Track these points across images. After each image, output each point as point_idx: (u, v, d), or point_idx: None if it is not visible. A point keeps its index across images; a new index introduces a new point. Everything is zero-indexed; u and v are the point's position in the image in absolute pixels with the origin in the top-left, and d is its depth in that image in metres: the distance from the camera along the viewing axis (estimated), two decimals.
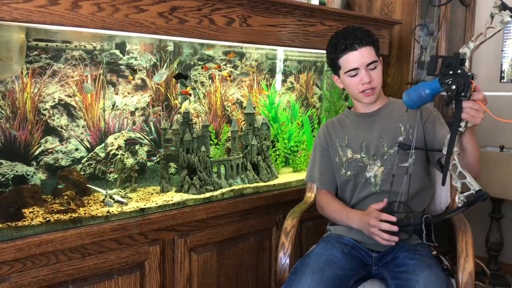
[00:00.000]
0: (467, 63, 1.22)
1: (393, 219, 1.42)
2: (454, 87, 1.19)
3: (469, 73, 1.19)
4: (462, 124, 1.25)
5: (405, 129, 1.62)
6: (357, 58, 1.60)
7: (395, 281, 1.47)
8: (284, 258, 1.66)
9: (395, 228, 1.41)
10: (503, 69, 3.18)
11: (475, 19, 3.27)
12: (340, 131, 1.75)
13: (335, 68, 1.68)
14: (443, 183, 1.29)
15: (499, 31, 1.21)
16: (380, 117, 1.70)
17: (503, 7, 1.18)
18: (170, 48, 2.10)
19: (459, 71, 1.20)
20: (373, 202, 1.63)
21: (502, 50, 3.16)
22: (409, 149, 1.43)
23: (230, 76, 2.29)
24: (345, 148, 1.71)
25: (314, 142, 1.86)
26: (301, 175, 2.39)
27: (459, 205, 1.23)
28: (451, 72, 1.20)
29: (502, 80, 3.18)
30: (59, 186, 1.73)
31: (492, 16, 1.21)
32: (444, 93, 1.23)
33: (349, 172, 1.69)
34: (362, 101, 1.69)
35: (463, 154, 1.35)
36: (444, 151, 1.26)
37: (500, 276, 2.99)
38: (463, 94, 1.19)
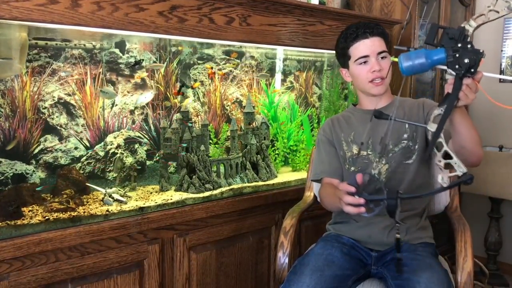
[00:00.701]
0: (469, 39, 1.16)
1: (352, 189, 1.29)
2: (467, 60, 1.13)
3: (480, 50, 1.14)
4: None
5: (409, 126, 1.62)
6: (368, 46, 1.61)
7: (395, 281, 1.47)
8: (283, 258, 1.65)
9: (360, 201, 1.28)
10: (502, 69, 3.18)
11: None
12: (346, 127, 1.73)
13: (345, 59, 1.68)
14: (427, 156, 1.24)
15: (502, 16, 1.17)
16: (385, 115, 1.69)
17: None
18: (173, 48, 2.10)
19: (469, 46, 1.14)
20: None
21: (502, 50, 3.16)
22: (387, 119, 1.32)
23: (217, 72, 2.27)
24: (351, 144, 1.69)
25: (317, 139, 1.82)
26: (301, 175, 2.39)
27: (444, 185, 1.17)
28: (459, 45, 1.15)
29: (502, 80, 3.19)
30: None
31: None
32: (443, 67, 1.17)
33: (353, 168, 1.67)
34: (370, 92, 1.66)
35: (459, 137, 1.33)
36: (430, 127, 1.19)
37: (499, 276, 3.00)
38: (472, 70, 1.14)
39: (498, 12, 1.17)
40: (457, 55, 1.14)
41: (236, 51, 2.34)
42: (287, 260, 1.65)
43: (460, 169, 1.16)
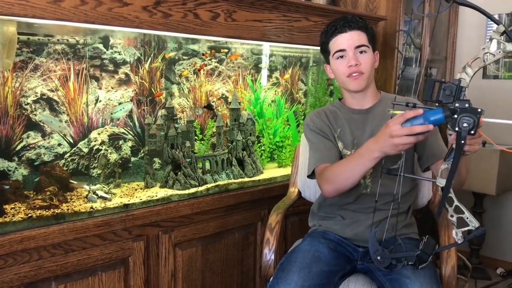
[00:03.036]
0: (466, 91, 1.18)
1: (421, 111, 1.21)
2: (466, 125, 1.13)
3: (479, 109, 1.14)
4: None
5: None
6: (346, 40, 1.59)
7: (381, 271, 1.48)
8: (269, 254, 1.65)
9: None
10: (485, 65, 3.21)
11: (459, 16, 3.30)
12: (333, 121, 1.69)
13: (326, 55, 1.67)
14: (439, 215, 1.26)
15: (498, 59, 1.18)
16: (372, 116, 1.66)
17: (508, 37, 1.15)
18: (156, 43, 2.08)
19: (466, 105, 1.14)
20: (364, 204, 1.64)
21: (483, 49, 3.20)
22: (396, 175, 1.33)
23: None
24: (337, 140, 1.67)
25: (304, 133, 1.76)
26: (286, 171, 2.39)
27: (459, 241, 1.19)
28: (457, 105, 1.14)
29: (485, 77, 3.23)
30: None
31: (491, 39, 1.17)
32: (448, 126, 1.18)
33: None
34: (349, 88, 1.63)
35: (456, 177, 1.35)
36: (438, 183, 1.21)
37: (481, 270, 3.05)
38: (472, 132, 1.14)
39: (494, 55, 1.17)
40: (455, 116, 1.14)
41: (222, 47, 2.33)
42: (273, 257, 1.65)
43: (472, 223, 1.18)
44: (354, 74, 1.59)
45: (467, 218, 1.18)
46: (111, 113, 1.88)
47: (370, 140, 1.39)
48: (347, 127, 1.67)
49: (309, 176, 1.70)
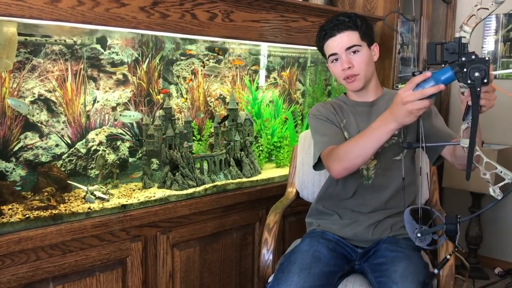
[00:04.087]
0: (469, 47, 1.16)
1: (428, 74, 1.22)
2: (477, 74, 1.11)
3: (486, 58, 1.13)
4: None
5: None
6: (336, 43, 1.59)
7: (374, 274, 1.48)
8: (267, 254, 1.65)
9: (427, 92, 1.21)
10: None
11: (456, 16, 3.31)
12: (340, 113, 1.69)
13: (324, 57, 1.69)
14: (468, 178, 1.18)
15: (493, 11, 1.15)
16: (376, 109, 1.65)
17: None
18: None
19: (473, 57, 1.13)
20: (365, 196, 1.64)
21: (482, 47, 3.21)
22: (418, 147, 1.32)
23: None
24: (343, 130, 1.67)
25: (309, 123, 1.73)
26: (284, 171, 2.39)
27: (498, 197, 1.13)
28: (464, 59, 1.13)
29: None
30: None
31: None
32: (460, 83, 1.16)
33: None
34: (348, 89, 1.67)
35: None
36: (463, 143, 1.19)
37: (479, 269, 3.05)
38: (486, 81, 1.12)
39: (487, 9, 1.15)
40: (465, 70, 1.13)
41: (217, 46, 2.33)
42: (271, 257, 1.65)
43: (507, 176, 1.14)
44: (349, 78, 1.60)
45: (501, 172, 1.14)
46: (120, 114, 1.88)
47: (384, 113, 1.36)
48: (352, 118, 1.67)
49: (314, 167, 1.64)
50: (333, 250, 1.55)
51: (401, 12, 2.64)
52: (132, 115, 1.91)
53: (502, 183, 1.14)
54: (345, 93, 1.78)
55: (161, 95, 2.11)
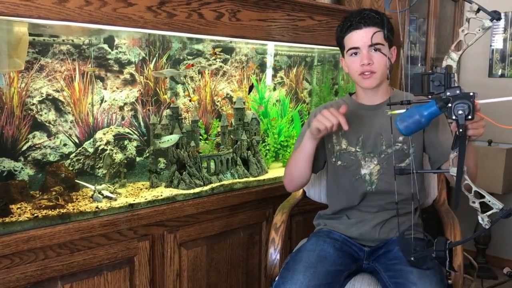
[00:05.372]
0: (456, 77, 1.15)
1: (343, 109, 1.48)
2: (461, 112, 1.12)
3: (471, 93, 1.13)
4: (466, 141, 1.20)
5: None
6: (360, 37, 1.55)
7: (388, 273, 1.47)
8: (274, 254, 1.65)
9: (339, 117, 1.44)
10: (491, 64, 3.20)
11: (464, 14, 3.29)
12: None
13: (341, 49, 1.65)
14: (456, 207, 1.23)
15: (479, 38, 1.15)
16: (382, 112, 1.62)
17: (481, 11, 1.12)
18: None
19: (457, 92, 1.13)
20: (372, 198, 1.63)
21: (491, 45, 3.19)
22: (409, 173, 1.33)
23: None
24: (340, 138, 1.65)
25: (307, 122, 1.74)
26: None
27: (486, 226, 1.16)
28: (448, 94, 1.13)
29: (491, 75, 3.21)
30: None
31: (468, 21, 1.15)
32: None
33: (339, 162, 1.65)
34: (361, 85, 1.63)
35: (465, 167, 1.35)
36: (452, 172, 1.20)
37: (488, 269, 3.03)
38: (470, 117, 1.12)
39: (474, 34, 1.14)
40: (449, 105, 1.13)
41: (221, 46, 2.33)
42: (278, 256, 1.65)
43: (495, 206, 1.16)
44: (366, 73, 1.58)
45: (489, 201, 1.16)
46: (159, 142, 1.94)
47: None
48: (354, 123, 1.64)
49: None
50: (339, 249, 1.55)
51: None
52: (170, 139, 1.95)
53: (490, 212, 1.16)
54: (350, 94, 1.76)
55: (168, 95, 2.12)
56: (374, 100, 1.66)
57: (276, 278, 1.52)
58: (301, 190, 1.95)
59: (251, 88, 2.28)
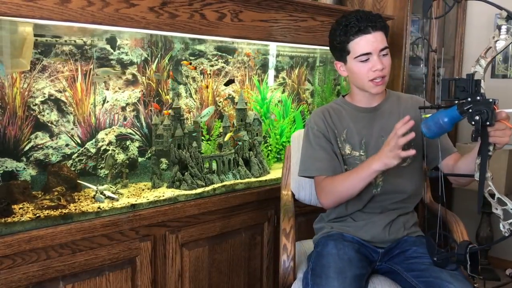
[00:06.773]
0: (482, 83, 1.15)
1: (411, 123, 1.35)
2: (477, 117, 1.12)
3: (491, 100, 1.13)
4: (491, 148, 1.20)
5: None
6: (371, 42, 1.49)
7: (411, 273, 1.46)
8: (288, 261, 1.57)
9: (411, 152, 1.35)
10: (494, 65, 3.19)
11: (467, 15, 3.28)
12: (338, 123, 1.64)
13: (342, 53, 1.56)
14: (479, 211, 1.23)
15: (509, 44, 1.15)
16: (381, 113, 1.63)
17: (510, 17, 1.12)
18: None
19: (478, 98, 1.13)
20: (375, 205, 1.62)
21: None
22: (437, 176, 1.34)
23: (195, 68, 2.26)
24: (344, 143, 1.62)
25: (306, 132, 1.69)
26: None
27: (506, 234, 1.15)
28: (469, 99, 1.14)
29: (494, 76, 3.20)
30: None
31: (499, 28, 1.15)
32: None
33: (345, 167, 1.62)
34: (370, 91, 1.56)
35: (469, 168, 1.35)
36: (476, 177, 1.20)
37: (490, 270, 3.02)
38: (488, 123, 1.13)
39: (504, 41, 1.15)
40: (469, 110, 1.14)
41: (227, 46, 2.33)
42: (292, 264, 1.57)
43: None
44: (377, 79, 1.53)
45: (511, 209, 1.15)
46: (200, 117, 1.97)
47: (371, 157, 1.46)
48: (353, 127, 1.63)
49: (302, 175, 1.68)
50: (358, 252, 1.52)
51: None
52: (208, 112, 2.00)
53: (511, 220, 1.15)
54: (343, 96, 1.72)
55: (170, 95, 2.12)
56: (371, 103, 1.64)
57: (305, 285, 1.45)
58: (290, 194, 1.91)
59: (229, 82, 2.20)
